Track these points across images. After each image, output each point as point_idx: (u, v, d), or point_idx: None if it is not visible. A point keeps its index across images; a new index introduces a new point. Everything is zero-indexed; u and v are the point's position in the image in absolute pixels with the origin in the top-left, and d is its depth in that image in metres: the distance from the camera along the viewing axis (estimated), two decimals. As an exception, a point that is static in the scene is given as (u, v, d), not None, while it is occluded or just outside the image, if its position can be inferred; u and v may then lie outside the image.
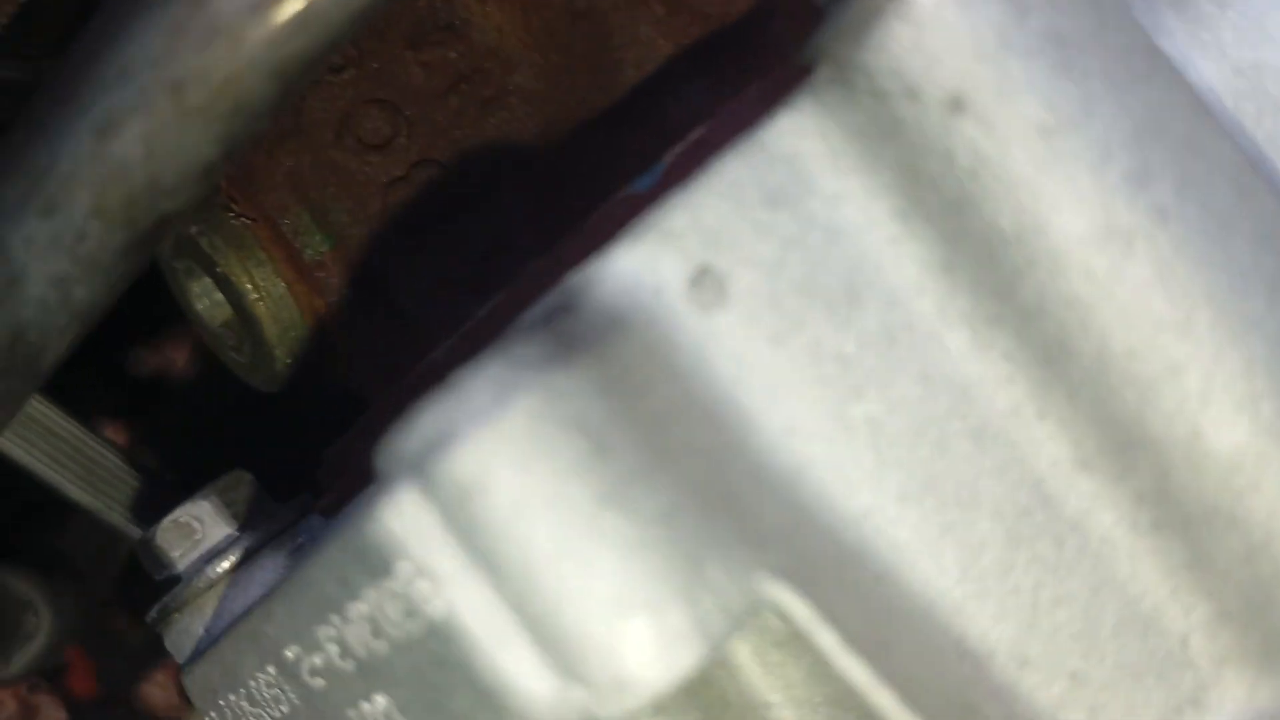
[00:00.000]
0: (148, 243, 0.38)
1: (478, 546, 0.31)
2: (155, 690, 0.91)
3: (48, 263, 0.38)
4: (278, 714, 0.40)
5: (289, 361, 0.52)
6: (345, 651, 0.36)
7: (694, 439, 0.34)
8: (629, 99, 0.49)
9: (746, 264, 0.36)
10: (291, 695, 0.39)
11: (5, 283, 0.39)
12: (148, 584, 0.48)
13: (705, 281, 0.36)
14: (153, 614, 0.48)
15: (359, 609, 0.35)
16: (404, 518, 0.32)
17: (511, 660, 0.32)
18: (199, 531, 0.47)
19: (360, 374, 0.52)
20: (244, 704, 0.42)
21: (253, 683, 0.41)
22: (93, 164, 0.36)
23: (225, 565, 0.46)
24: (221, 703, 0.43)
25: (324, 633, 0.36)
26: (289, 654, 0.38)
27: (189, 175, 0.36)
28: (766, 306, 0.36)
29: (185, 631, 0.46)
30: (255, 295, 0.50)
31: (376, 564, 0.33)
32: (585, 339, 0.33)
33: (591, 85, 0.49)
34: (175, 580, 0.47)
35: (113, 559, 0.79)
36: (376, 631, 0.34)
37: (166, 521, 0.47)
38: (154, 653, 0.87)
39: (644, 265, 0.35)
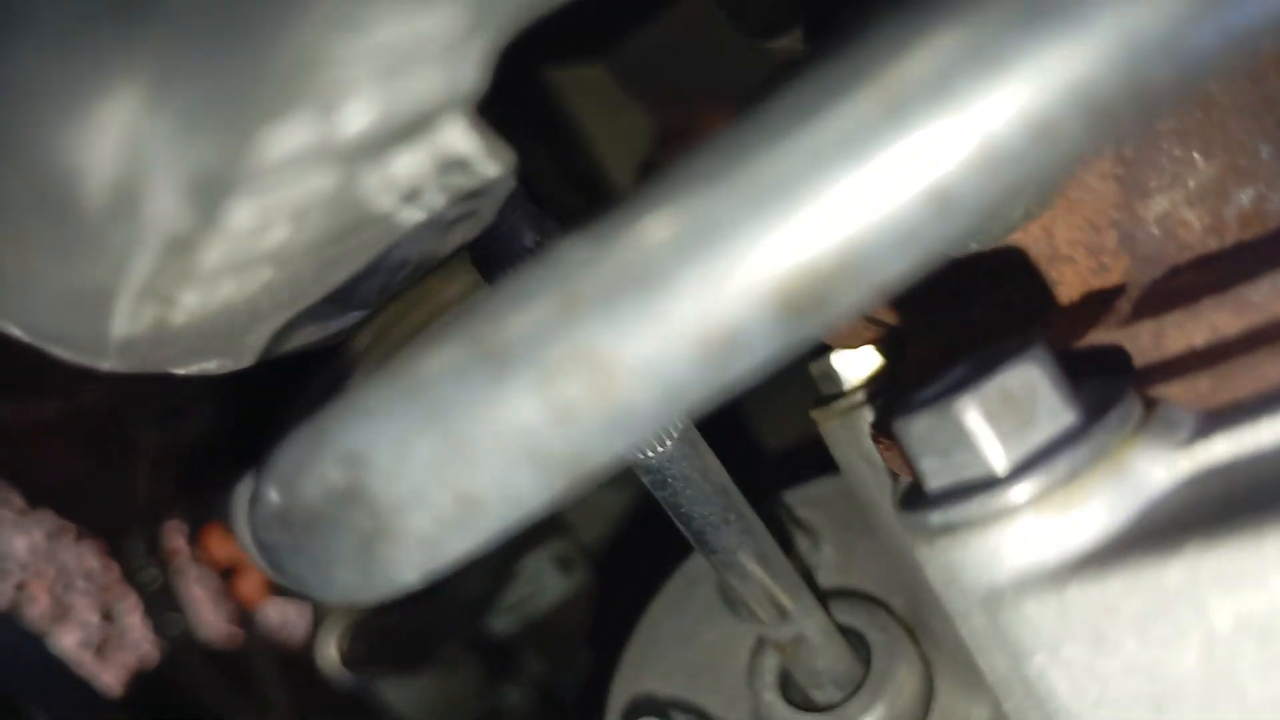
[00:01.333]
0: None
1: None
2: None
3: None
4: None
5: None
6: None
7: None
8: None
9: None
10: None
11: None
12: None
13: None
14: (935, 520, 0.33)
15: None
16: None
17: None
18: (1025, 405, 0.32)
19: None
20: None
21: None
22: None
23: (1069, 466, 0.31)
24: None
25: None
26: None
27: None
28: None
29: (993, 550, 0.32)
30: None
31: None
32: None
33: None
34: (980, 480, 0.32)
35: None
36: None
37: (987, 387, 0.32)
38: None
39: None
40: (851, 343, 0.56)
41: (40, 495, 1.67)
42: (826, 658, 0.61)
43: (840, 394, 0.60)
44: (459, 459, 0.28)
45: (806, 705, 0.63)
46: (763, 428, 1.13)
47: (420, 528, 0.29)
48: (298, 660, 1.65)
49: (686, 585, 0.74)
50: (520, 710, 1.55)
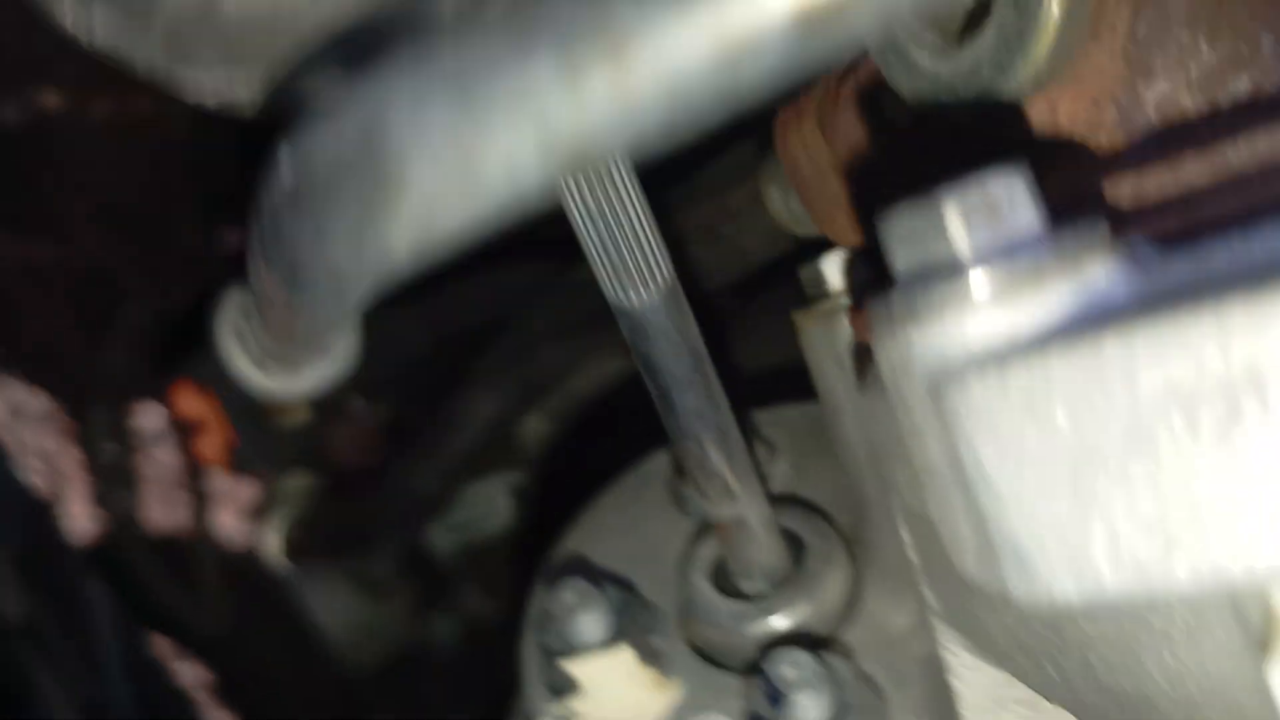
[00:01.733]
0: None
1: None
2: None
3: None
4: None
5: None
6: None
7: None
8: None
9: None
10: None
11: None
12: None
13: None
14: (897, 302, 0.36)
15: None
16: None
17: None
18: (1003, 210, 0.35)
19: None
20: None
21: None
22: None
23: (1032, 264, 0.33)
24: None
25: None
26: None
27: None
28: None
29: (948, 336, 0.34)
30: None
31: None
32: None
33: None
34: (947, 267, 0.34)
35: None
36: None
37: (970, 188, 0.35)
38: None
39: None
40: (845, 237, 0.58)
41: (14, 350, 1.68)
42: (761, 549, 0.63)
43: (824, 296, 0.62)
44: (471, 121, 0.30)
45: (735, 595, 0.64)
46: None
47: (421, 187, 0.31)
48: (238, 561, 1.66)
49: (637, 481, 0.76)
50: (447, 643, 1.56)
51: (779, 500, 0.67)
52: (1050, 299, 0.33)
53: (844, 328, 0.60)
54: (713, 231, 0.79)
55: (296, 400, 1.07)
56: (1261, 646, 0.33)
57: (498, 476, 1.31)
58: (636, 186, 0.51)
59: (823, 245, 0.62)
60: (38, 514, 0.89)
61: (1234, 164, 0.36)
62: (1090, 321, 0.32)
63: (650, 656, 0.65)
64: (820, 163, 0.55)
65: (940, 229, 0.34)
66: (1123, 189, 0.38)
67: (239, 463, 1.07)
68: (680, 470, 0.72)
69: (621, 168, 0.50)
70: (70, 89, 1.03)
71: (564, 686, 0.65)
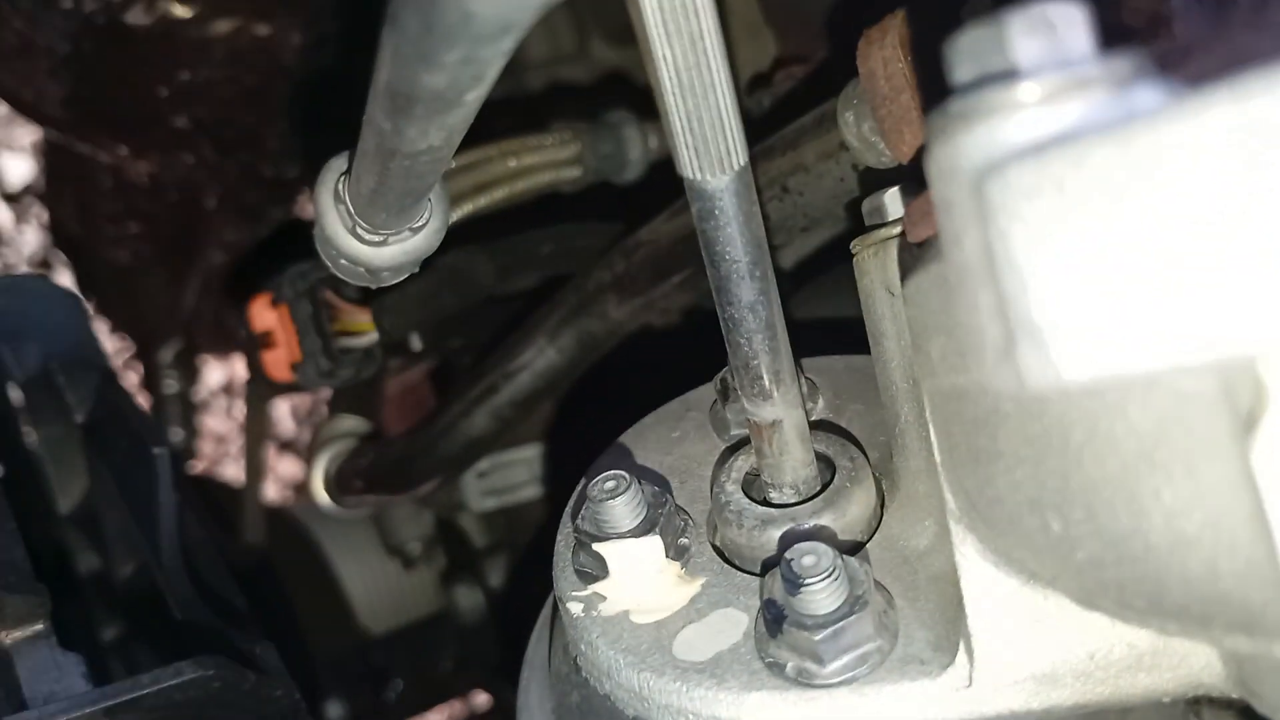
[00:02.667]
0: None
1: None
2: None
3: None
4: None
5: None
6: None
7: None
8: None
9: None
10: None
11: None
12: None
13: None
14: (952, 106, 0.39)
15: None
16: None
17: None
18: (1059, 31, 0.38)
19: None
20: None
21: None
22: None
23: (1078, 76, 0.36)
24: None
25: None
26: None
27: None
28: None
29: (995, 135, 0.37)
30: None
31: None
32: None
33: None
34: (1001, 75, 0.37)
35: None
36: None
37: (1034, 10, 0.38)
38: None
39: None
40: (909, 153, 0.61)
41: (92, 277, 1.73)
42: (793, 458, 0.65)
43: (883, 224, 0.65)
44: None
45: (764, 505, 0.67)
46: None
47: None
48: (277, 514, 1.69)
49: (681, 407, 0.79)
50: (466, 618, 1.58)
51: (815, 425, 0.70)
52: (1091, 107, 0.36)
53: (895, 256, 0.63)
54: (783, 186, 0.83)
55: (363, 321, 1.10)
56: (1247, 427, 0.36)
57: (541, 445, 1.34)
58: (726, 67, 0.54)
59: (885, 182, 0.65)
60: (110, 381, 0.92)
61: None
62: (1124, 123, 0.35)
63: (677, 553, 0.67)
64: (896, 79, 0.59)
65: (998, 44, 0.38)
66: (1172, 54, 0.41)
67: (301, 380, 1.11)
68: (725, 395, 0.75)
69: (714, 48, 0.54)
70: (200, 3, 1.09)
71: (594, 571, 0.67)
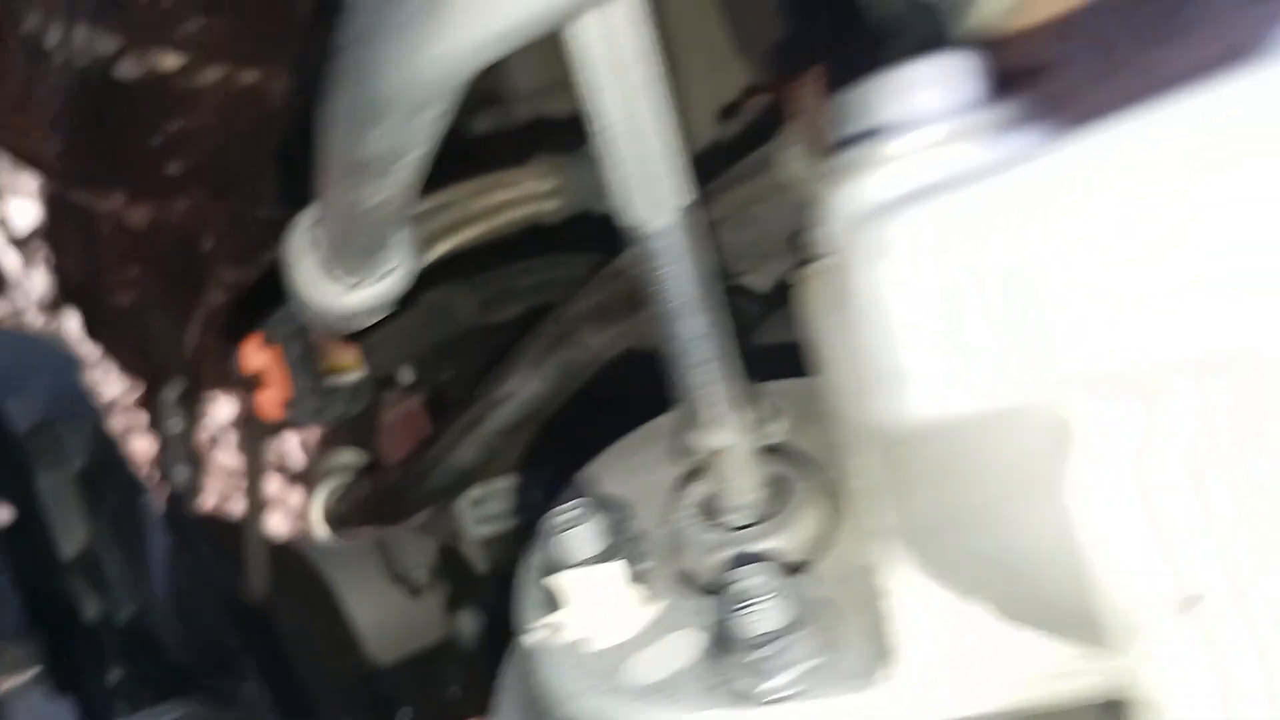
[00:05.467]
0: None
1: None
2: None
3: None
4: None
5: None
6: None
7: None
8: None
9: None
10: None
11: None
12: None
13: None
14: (834, 164, 0.42)
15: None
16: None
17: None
18: (915, 90, 0.40)
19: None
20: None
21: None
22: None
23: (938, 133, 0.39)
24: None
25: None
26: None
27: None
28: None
29: (866, 188, 0.40)
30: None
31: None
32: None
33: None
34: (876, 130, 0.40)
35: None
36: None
37: (891, 72, 0.41)
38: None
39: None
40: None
41: (98, 319, 1.76)
42: (744, 482, 0.68)
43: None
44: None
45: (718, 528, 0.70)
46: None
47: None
48: (283, 548, 1.72)
49: (643, 436, 0.82)
50: (472, 644, 1.60)
51: (774, 448, 0.73)
52: (962, 158, 0.39)
53: (830, 287, 0.66)
54: (746, 214, 0.85)
55: (350, 359, 1.13)
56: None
57: (535, 473, 1.37)
58: (666, 113, 0.57)
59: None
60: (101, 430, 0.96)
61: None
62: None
63: (636, 578, 0.70)
64: (821, 124, 0.62)
65: (875, 101, 0.41)
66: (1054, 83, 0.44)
67: (292, 417, 1.14)
68: (685, 423, 0.77)
69: (652, 97, 0.57)
70: (188, 53, 1.13)
71: (554, 600, 0.70)
